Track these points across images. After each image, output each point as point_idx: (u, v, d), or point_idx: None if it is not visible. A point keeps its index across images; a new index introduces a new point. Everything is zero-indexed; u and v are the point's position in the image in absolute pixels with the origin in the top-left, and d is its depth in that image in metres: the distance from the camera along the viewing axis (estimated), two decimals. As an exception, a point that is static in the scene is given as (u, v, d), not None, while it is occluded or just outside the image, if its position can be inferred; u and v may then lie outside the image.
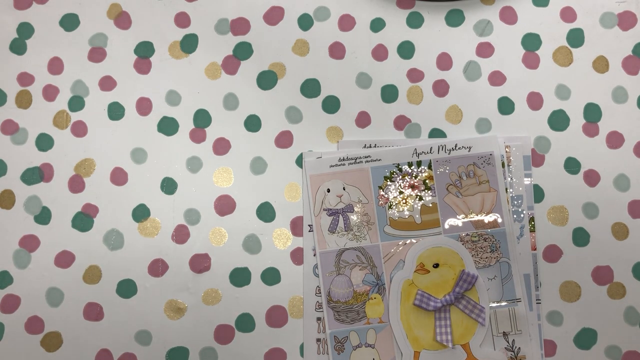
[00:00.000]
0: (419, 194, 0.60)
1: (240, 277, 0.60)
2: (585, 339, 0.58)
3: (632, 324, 0.58)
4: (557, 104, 0.61)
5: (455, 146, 0.60)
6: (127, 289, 0.60)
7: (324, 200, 0.60)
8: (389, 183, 0.60)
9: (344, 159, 0.60)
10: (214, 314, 0.60)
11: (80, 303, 0.60)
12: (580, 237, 0.60)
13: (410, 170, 0.60)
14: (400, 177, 0.60)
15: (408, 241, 0.59)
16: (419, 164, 0.60)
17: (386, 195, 0.60)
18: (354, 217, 0.60)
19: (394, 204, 0.60)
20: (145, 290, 0.60)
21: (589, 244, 0.59)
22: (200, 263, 0.60)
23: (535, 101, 0.61)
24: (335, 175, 0.60)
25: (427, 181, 0.60)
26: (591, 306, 0.59)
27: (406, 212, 0.59)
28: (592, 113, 0.61)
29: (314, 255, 0.60)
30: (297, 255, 0.60)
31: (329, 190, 0.60)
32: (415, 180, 0.60)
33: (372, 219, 0.60)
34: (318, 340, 0.59)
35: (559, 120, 0.61)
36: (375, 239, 0.59)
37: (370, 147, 0.61)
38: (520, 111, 0.61)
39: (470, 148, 0.60)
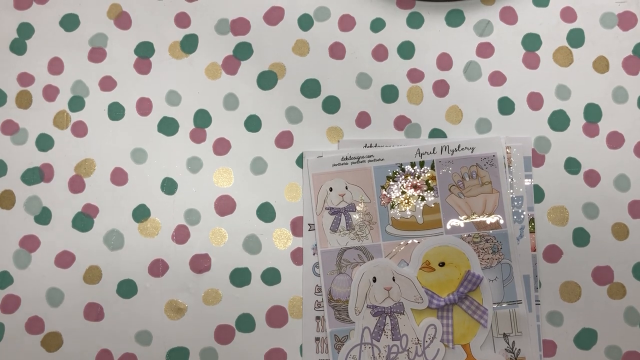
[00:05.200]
0: (421, 194, 0.60)
1: (240, 277, 0.60)
2: (586, 339, 0.59)
3: (632, 324, 0.59)
4: (558, 104, 0.61)
5: (459, 147, 0.60)
6: (127, 289, 0.60)
7: (326, 199, 0.60)
8: (391, 183, 0.60)
9: (346, 158, 0.60)
10: (214, 314, 0.60)
11: (81, 303, 0.60)
12: (581, 237, 0.60)
13: (412, 171, 0.60)
14: (403, 177, 0.60)
15: (410, 241, 0.59)
16: (421, 164, 0.60)
17: (388, 195, 0.60)
18: (356, 217, 0.60)
19: (396, 203, 0.60)
20: (145, 291, 0.60)
21: (589, 244, 0.60)
22: (200, 263, 0.60)
23: (535, 101, 0.61)
24: (337, 174, 0.60)
25: (429, 181, 0.60)
26: (591, 306, 0.59)
27: (408, 212, 0.59)
28: (593, 113, 0.61)
29: (314, 254, 0.60)
30: (297, 256, 0.60)
31: (331, 189, 0.60)
32: (418, 181, 0.60)
33: (374, 218, 0.60)
34: (317, 339, 0.59)
35: (559, 121, 0.61)
36: (377, 238, 0.59)
37: (371, 146, 0.61)
38: (520, 111, 0.61)
39: (473, 149, 0.60)
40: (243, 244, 0.60)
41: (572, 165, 0.60)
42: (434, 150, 0.60)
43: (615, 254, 0.59)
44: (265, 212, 0.61)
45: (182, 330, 0.59)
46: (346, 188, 0.60)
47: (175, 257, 0.60)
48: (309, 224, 0.60)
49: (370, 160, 0.60)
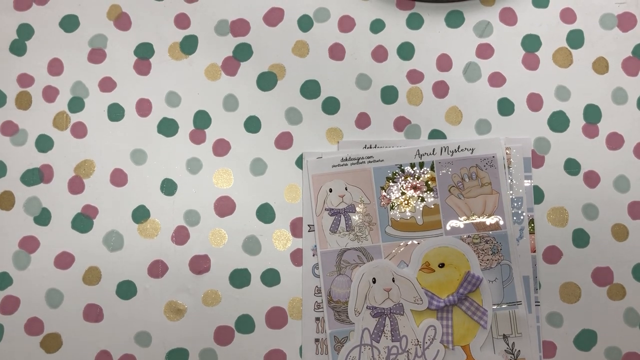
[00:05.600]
0: (420, 195, 0.60)
1: (240, 278, 0.60)
2: (585, 340, 0.58)
3: (632, 325, 0.58)
4: (557, 105, 0.61)
5: (458, 148, 0.60)
6: (126, 290, 0.60)
7: (326, 200, 0.60)
8: (391, 184, 0.60)
9: (346, 159, 0.60)
10: (213, 315, 0.59)
11: (80, 304, 0.60)
12: (580, 238, 0.60)
13: (412, 172, 0.60)
14: (403, 178, 0.60)
15: (409, 242, 0.59)
16: (421, 165, 0.60)
17: (388, 196, 0.60)
18: (355, 218, 0.60)
19: (395, 204, 0.60)
20: (145, 292, 0.60)
21: (588, 245, 0.60)
22: (200, 264, 0.60)
23: (535, 102, 0.61)
24: (337, 175, 0.60)
25: (429, 182, 0.60)
26: (591, 307, 0.59)
27: (408, 213, 0.59)
28: (592, 114, 0.61)
29: (314, 255, 0.60)
30: (296, 257, 0.60)
31: (331, 190, 0.60)
32: (418, 182, 0.60)
33: (373, 219, 0.60)
34: (317, 340, 0.59)
35: (558, 122, 0.61)
36: (376, 239, 0.59)
37: (370, 147, 0.61)
38: (520, 112, 0.61)
39: (473, 150, 0.60)
40: (243, 245, 0.60)
41: (571, 166, 0.60)
42: (433, 151, 0.60)
43: (615, 255, 0.59)
44: (265, 213, 0.61)
45: (182, 331, 0.59)
46: (346, 189, 0.60)
47: (175, 258, 0.60)
48: (308, 225, 0.60)
49: (370, 161, 0.60)
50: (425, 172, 0.60)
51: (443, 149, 0.60)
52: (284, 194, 0.61)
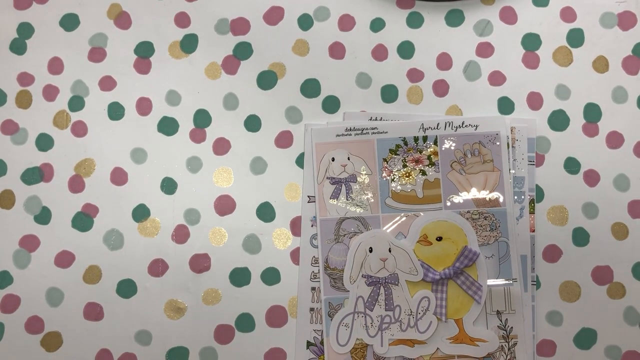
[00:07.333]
0: (422, 168, 0.60)
1: (240, 277, 0.60)
2: (585, 339, 0.59)
3: (631, 323, 0.59)
4: (557, 104, 0.61)
5: (462, 124, 0.60)
6: (127, 288, 0.60)
7: (328, 168, 0.60)
8: (393, 156, 0.60)
9: (350, 129, 0.60)
10: (214, 314, 0.59)
11: (80, 303, 0.60)
12: (580, 237, 0.60)
13: (415, 145, 0.60)
14: (405, 150, 0.60)
15: (409, 214, 0.59)
16: (424, 139, 0.60)
17: (390, 168, 0.60)
18: (356, 187, 0.60)
19: (397, 177, 0.60)
20: (145, 290, 0.60)
21: (588, 244, 0.60)
22: (200, 263, 0.60)
23: (535, 101, 0.61)
24: (340, 144, 0.60)
25: (431, 157, 0.60)
26: (591, 306, 0.59)
27: (409, 186, 0.60)
28: (592, 113, 0.61)
29: (312, 226, 0.60)
30: (297, 255, 0.60)
31: (333, 159, 0.60)
32: (420, 155, 0.60)
33: (374, 190, 0.60)
34: (311, 309, 0.59)
35: (558, 120, 0.61)
36: (376, 210, 0.59)
37: (376, 119, 0.61)
38: (520, 111, 0.61)
39: (477, 126, 0.60)
40: (243, 244, 0.60)
41: (571, 165, 0.60)
42: (437, 125, 0.60)
43: (615, 254, 0.59)
44: (265, 212, 0.61)
45: (182, 330, 0.59)
46: (348, 159, 0.60)
47: (175, 257, 0.60)
48: (308, 196, 0.60)
49: (374, 133, 0.60)
50: (428, 146, 0.60)
51: (447, 124, 0.60)
52: (284, 192, 0.61)
